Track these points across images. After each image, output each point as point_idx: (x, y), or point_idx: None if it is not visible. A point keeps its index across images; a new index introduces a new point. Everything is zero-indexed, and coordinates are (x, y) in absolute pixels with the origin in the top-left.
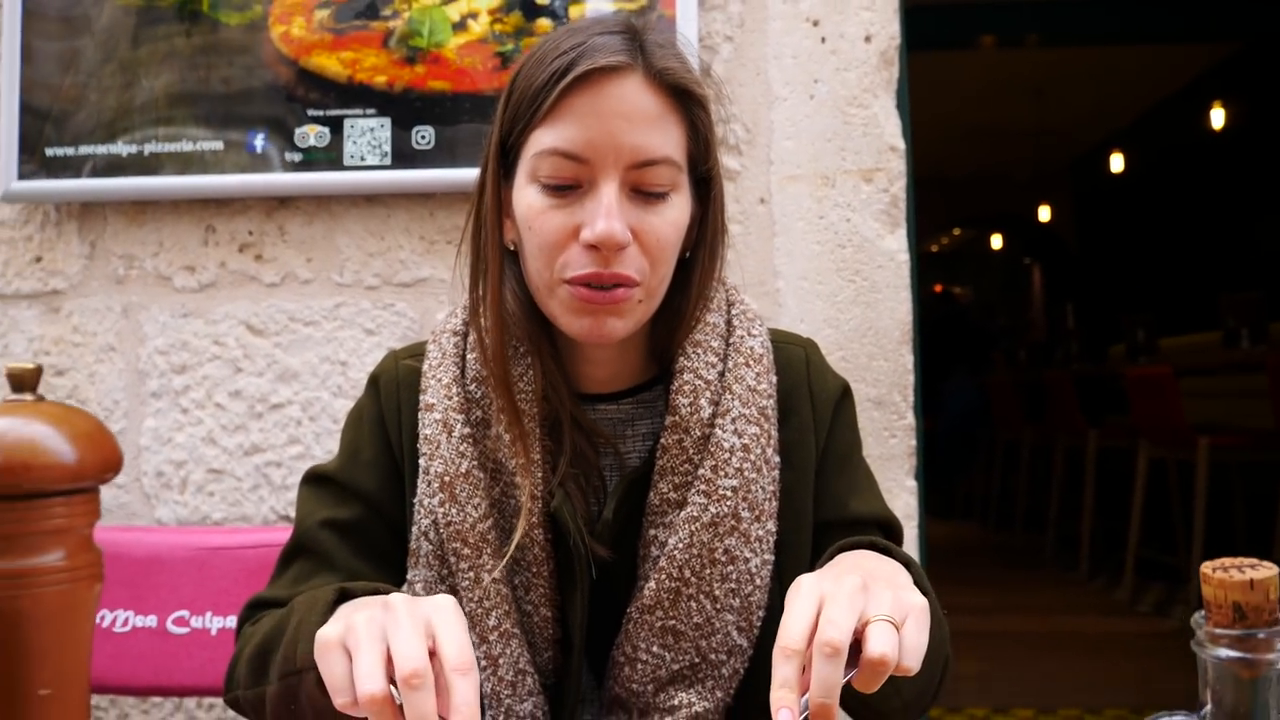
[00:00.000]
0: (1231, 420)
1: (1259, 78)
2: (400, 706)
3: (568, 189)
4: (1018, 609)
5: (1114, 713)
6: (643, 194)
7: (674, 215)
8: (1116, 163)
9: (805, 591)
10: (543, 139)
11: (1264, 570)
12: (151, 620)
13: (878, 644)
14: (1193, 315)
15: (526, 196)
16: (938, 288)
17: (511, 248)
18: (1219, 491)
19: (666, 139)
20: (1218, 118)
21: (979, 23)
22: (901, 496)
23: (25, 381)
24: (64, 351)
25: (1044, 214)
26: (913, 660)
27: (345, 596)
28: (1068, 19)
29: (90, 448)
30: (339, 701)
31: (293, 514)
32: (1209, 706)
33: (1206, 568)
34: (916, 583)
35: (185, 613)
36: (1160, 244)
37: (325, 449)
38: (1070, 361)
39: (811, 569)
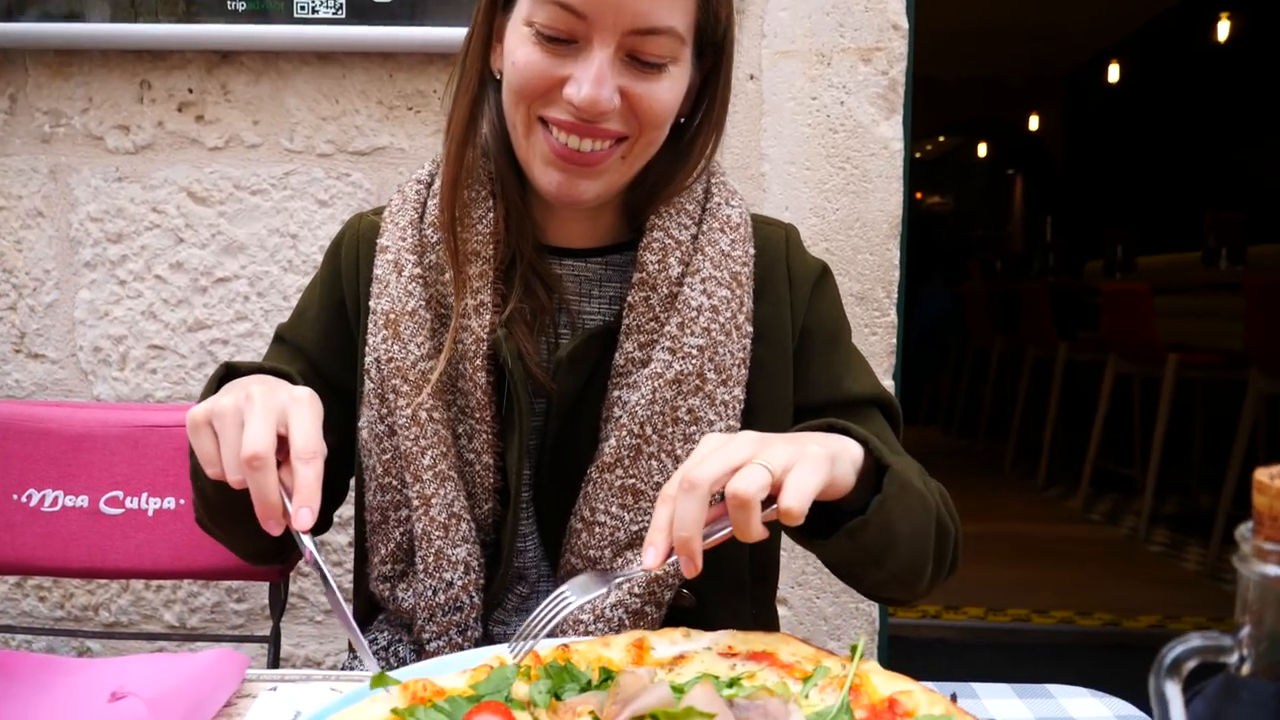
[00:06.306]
0: (1203, 340)
1: None
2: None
3: (562, 42)
4: (973, 514)
5: (1060, 614)
6: (639, 62)
7: (670, 86)
8: (1113, 73)
9: (701, 444)
10: None
11: None
12: (83, 500)
13: (736, 482)
14: (1176, 234)
15: (519, 35)
16: (918, 195)
17: (498, 76)
18: (1180, 408)
19: (673, 8)
20: (1223, 30)
21: None
22: None
23: None
24: None
25: (1034, 123)
26: (793, 501)
27: (231, 374)
28: None
29: None
30: (209, 472)
31: None
32: (1247, 629)
33: (1262, 474)
34: (879, 457)
35: (119, 493)
36: (1149, 160)
37: (274, 326)
38: (1046, 274)
39: None
